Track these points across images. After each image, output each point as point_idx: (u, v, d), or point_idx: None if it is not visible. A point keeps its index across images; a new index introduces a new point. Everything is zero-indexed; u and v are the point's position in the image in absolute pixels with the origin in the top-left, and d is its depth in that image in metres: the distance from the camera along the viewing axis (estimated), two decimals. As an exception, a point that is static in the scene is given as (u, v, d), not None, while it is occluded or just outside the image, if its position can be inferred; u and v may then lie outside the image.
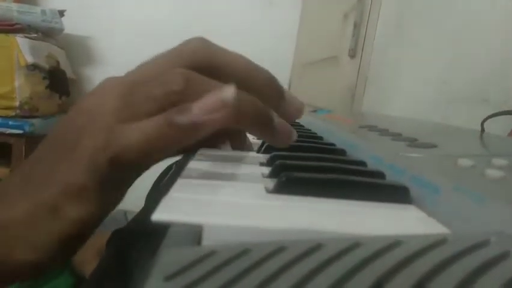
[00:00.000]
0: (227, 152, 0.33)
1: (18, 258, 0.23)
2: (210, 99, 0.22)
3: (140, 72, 0.26)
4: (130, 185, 0.26)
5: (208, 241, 0.15)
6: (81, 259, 0.74)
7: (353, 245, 0.12)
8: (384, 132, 0.37)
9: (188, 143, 0.23)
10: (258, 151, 0.34)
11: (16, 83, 1.47)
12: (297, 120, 0.61)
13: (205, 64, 0.26)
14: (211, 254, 0.12)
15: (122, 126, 0.23)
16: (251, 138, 0.42)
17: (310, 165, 0.26)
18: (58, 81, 1.65)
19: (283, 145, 0.28)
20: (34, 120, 1.51)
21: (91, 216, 0.24)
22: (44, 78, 1.57)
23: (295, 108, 0.30)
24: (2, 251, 0.23)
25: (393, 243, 0.12)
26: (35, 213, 0.23)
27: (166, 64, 0.25)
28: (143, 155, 0.22)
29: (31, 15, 1.56)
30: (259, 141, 0.38)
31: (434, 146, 0.29)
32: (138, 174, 0.26)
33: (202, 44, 0.26)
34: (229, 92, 0.22)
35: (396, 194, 0.21)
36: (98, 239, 0.76)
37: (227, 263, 0.11)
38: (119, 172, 0.23)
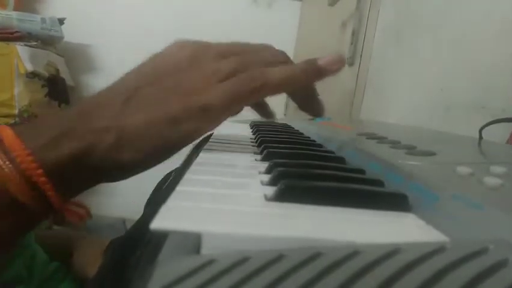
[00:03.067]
0: (226, 159, 0.33)
1: (126, 158, 0.27)
2: (329, 56, 0.32)
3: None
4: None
5: (207, 249, 0.15)
6: (83, 263, 0.73)
7: (352, 253, 0.12)
8: (383, 139, 0.37)
9: (309, 83, 0.35)
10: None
11: (15, 91, 1.48)
12: (296, 128, 0.61)
13: None
14: (210, 262, 0.12)
15: (267, 67, 0.31)
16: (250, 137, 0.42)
17: (310, 173, 0.26)
18: (57, 89, 1.65)
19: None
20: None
21: (201, 132, 0.30)
22: (43, 86, 1.58)
23: None
24: (112, 152, 0.27)
25: (392, 251, 0.12)
26: (153, 121, 0.28)
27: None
28: (279, 88, 0.31)
29: (31, 23, 1.57)
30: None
31: (432, 153, 0.29)
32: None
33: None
34: (340, 55, 0.33)
35: (395, 202, 0.21)
36: (101, 243, 0.76)
37: (226, 271, 0.11)
38: (249, 101, 0.31)
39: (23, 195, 0.25)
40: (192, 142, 0.30)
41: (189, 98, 0.29)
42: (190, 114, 0.28)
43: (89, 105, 0.29)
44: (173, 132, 0.28)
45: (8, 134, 0.26)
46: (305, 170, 0.27)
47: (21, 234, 0.29)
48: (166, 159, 0.30)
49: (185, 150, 0.44)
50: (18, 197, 0.25)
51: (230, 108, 0.30)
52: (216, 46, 0.32)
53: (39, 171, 0.25)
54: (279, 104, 1.75)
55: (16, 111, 1.48)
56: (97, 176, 0.29)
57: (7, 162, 0.25)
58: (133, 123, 0.27)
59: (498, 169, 0.23)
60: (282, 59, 0.33)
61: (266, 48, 0.34)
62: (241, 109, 0.34)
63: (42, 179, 0.26)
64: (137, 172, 0.30)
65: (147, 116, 0.28)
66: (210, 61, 0.30)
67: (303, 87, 0.37)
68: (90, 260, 0.72)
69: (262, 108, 0.43)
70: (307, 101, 0.38)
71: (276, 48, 0.35)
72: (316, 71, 0.32)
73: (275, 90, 0.31)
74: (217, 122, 0.30)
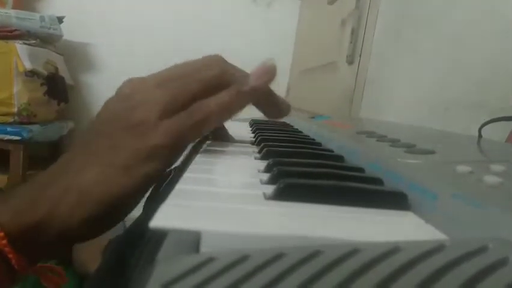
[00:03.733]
0: (225, 157, 0.33)
1: (87, 215, 0.28)
2: (259, 70, 0.32)
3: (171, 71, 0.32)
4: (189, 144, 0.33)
5: (206, 248, 0.15)
6: (83, 259, 0.73)
7: (351, 251, 0.12)
8: (382, 138, 0.37)
9: (247, 104, 0.33)
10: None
11: (14, 89, 1.47)
12: (295, 126, 0.61)
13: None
14: (209, 260, 0.12)
15: (199, 101, 0.30)
16: (249, 136, 0.42)
17: (309, 171, 0.26)
18: (56, 88, 1.65)
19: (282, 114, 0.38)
20: (32, 127, 1.51)
21: (159, 172, 0.30)
22: (42, 84, 1.57)
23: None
24: (72, 212, 0.27)
25: (392, 250, 0.12)
26: (107, 173, 0.28)
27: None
28: (221, 117, 0.32)
29: (30, 21, 1.57)
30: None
31: (432, 152, 0.29)
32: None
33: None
34: (270, 63, 0.33)
35: (395, 200, 0.21)
36: (101, 240, 0.76)
37: (225, 269, 0.11)
38: (194, 135, 0.31)
39: None
40: (152, 184, 0.31)
41: (136, 144, 0.28)
42: (140, 159, 0.28)
43: (50, 172, 0.30)
44: (128, 179, 0.28)
45: None
46: (304, 168, 0.27)
47: None
48: (133, 207, 0.30)
49: (185, 150, 0.44)
50: None
51: (177, 146, 0.30)
52: (151, 77, 0.31)
53: (1, 234, 0.26)
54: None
55: (15, 110, 1.48)
56: (64, 238, 0.29)
57: None
58: (90, 177, 0.28)
59: (497, 167, 0.23)
60: (216, 65, 0.32)
61: (203, 65, 0.32)
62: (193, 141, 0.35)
63: (3, 242, 0.26)
64: (104, 228, 0.30)
65: (100, 168, 0.28)
66: (149, 93, 0.30)
67: (261, 95, 0.35)
68: (91, 256, 0.72)
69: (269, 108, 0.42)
70: (271, 105, 0.37)
71: (213, 57, 0.33)
72: (250, 93, 0.32)
73: (217, 120, 0.32)
74: (169, 160, 0.30)
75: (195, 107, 0.30)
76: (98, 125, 0.31)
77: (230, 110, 0.32)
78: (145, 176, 0.29)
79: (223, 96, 0.31)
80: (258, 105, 0.37)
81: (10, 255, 0.27)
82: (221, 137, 0.42)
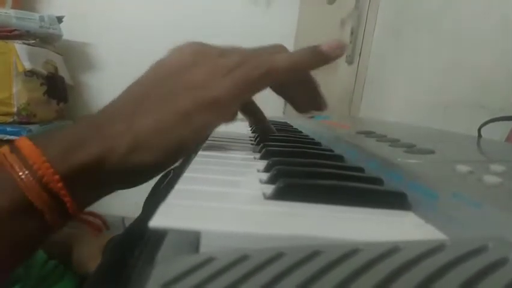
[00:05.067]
0: (225, 157, 0.33)
1: (141, 160, 0.28)
2: (333, 42, 0.33)
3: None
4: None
5: (206, 248, 0.15)
6: (83, 259, 0.73)
7: (351, 251, 0.12)
8: (382, 138, 0.37)
9: (312, 68, 0.34)
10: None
11: (14, 89, 1.47)
12: (294, 126, 0.61)
13: None
14: (209, 260, 0.12)
15: (272, 55, 0.31)
16: (246, 131, 0.42)
17: (308, 171, 0.26)
18: (56, 88, 1.65)
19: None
20: (32, 127, 1.51)
21: (213, 125, 0.30)
22: (42, 84, 1.57)
23: None
24: (126, 156, 0.28)
25: (391, 250, 0.12)
26: (165, 119, 0.28)
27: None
28: (285, 73, 0.31)
29: (29, 21, 1.56)
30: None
31: (432, 152, 0.29)
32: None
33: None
34: (343, 41, 0.33)
35: (394, 200, 0.21)
36: (100, 239, 0.76)
37: (225, 269, 0.11)
38: (258, 88, 0.31)
39: (40, 202, 0.26)
40: (205, 137, 0.31)
41: (198, 93, 0.29)
42: (200, 109, 0.29)
43: (102, 115, 0.30)
44: (185, 128, 0.29)
45: (26, 144, 0.27)
46: (304, 168, 0.27)
47: (36, 243, 0.29)
48: (181, 158, 0.31)
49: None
50: (36, 205, 0.26)
51: (239, 98, 0.30)
52: (217, 46, 0.32)
53: (56, 177, 0.26)
54: (278, 102, 1.75)
55: (15, 110, 1.48)
56: (112, 182, 0.29)
57: (25, 171, 0.26)
58: (146, 124, 0.28)
59: (497, 167, 0.23)
60: (282, 50, 0.33)
61: (265, 45, 0.34)
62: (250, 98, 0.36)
63: (59, 185, 0.26)
64: (153, 175, 0.30)
65: (158, 116, 0.28)
66: (213, 58, 0.31)
67: (306, 81, 0.37)
68: (90, 255, 0.72)
69: (260, 124, 0.45)
70: (310, 95, 0.38)
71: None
72: (319, 56, 0.33)
73: (281, 75, 0.31)
74: (228, 113, 0.31)
75: (260, 59, 0.31)
76: (153, 75, 0.31)
77: (295, 67, 0.32)
78: (202, 127, 0.29)
79: (290, 54, 0.32)
80: (300, 95, 0.38)
81: (65, 199, 0.27)
82: (251, 112, 0.43)
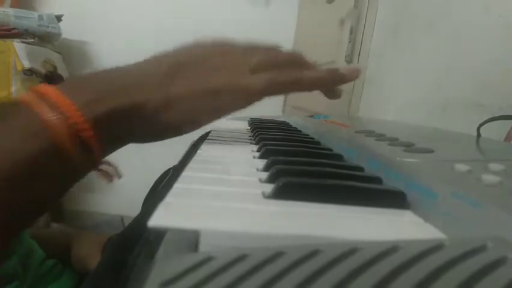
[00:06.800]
0: (224, 156, 0.33)
1: (171, 117, 0.31)
2: (352, 67, 0.38)
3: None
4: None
5: (205, 247, 0.15)
6: (82, 257, 0.73)
7: (350, 250, 0.12)
8: (381, 137, 0.37)
9: (332, 86, 0.39)
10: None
11: (13, 88, 1.47)
12: (294, 125, 0.61)
13: None
14: (208, 259, 0.12)
15: (301, 69, 0.35)
16: (246, 129, 0.42)
17: (308, 170, 0.26)
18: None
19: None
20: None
21: (234, 109, 0.33)
22: (40, 83, 1.57)
23: None
24: (161, 111, 0.30)
25: (391, 249, 0.12)
26: (197, 89, 0.32)
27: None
28: (311, 86, 0.35)
29: (28, 20, 1.56)
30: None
31: (430, 151, 0.29)
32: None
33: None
34: (360, 67, 0.39)
35: (393, 199, 0.21)
36: (99, 237, 0.76)
37: (224, 268, 0.11)
38: (286, 92, 0.35)
39: (70, 147, 0.26)
40: (223, 116, 0.33)
41: (232, 78, 0.32)
42: (231, 90, 0.32)
43: (138, 68, 0.32)
44: (210, 103, 0.32)
45: (53, 91, 0.27)
46: (303, 167, 0.27)
47: (63, 189, 0.29)
48: (197, 127, 0.33)
49: (183, 148, 0.44)
50: (65, 150, 0.26)
51: (266, 94, 0.33)
52: (240, 43, 0.36)
53: (87, 125, 0.27)
54: (277, 102, 1.75)
55: (13, 109, 1.48)
56: (136, 133, 0.31)
57: (56, 115, 0.26)
58: (180, 89, 0.31)
59: (496, 167, 0.23)
60: (302, 61, 0.37)
61: (283, 51, 0.38)
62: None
63: (89, 133, 0.27)
64: (170, 136, 0.33)
65: (192, 87, 0.31)
66: (239, 54, 0.34)
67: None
68: (89, 254, 0.72)
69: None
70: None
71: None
72: (338, 78, 0.37)
73: (306, 87, 0.35)
74: (251, 103, 0.33)
75: (294, 69, 0.35)
76: (184, 55, 0.33)
77: (318, 84, 0.36)
78: (227, 106, 0.33)
79: (317, 72, 0.36)
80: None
81: (94, 146, 0.27)
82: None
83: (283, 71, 0.34)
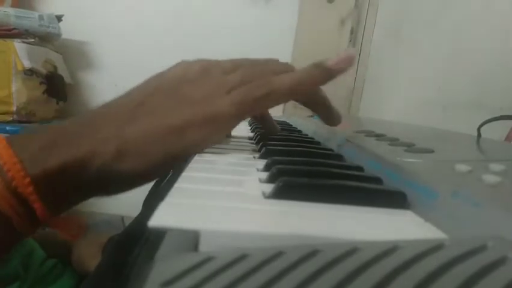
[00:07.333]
0: (224, 156, 0.33)
1: (127, 167, 0.27)
2: (340, 57, 0.31)
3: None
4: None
5: (205, 247, 0.15)
6: (82, 257, 0.73)
7: (351, 250, 0.12)
8: (381, 137, 0.37)
9: (318, 86, 0.33)
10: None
11: (13, 88, 1.47)
12: (293, 125, 0.61)
13: None
14: (208, 259, 0.12)
15: (276, 75, 0.30)
16: (246, 132, 0.42)
17: (308, 170, 0.26)
18: (55, 86, 1.65)
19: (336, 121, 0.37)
20: (31, 126, 1.50)
21: (207, 142, 0.29)
22: (41, 83, 1.57)
23: None
24: (113, 162, 0.26)
25: (391, 249, 0.12)
26: (158, 131, 0.27)
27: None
28: (290, 93, 0.31)
29: (29, 20, 1.56)
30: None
31: (431, 151, 0.29)
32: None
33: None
34: (351, 52, 0.32)
35: (394, 199, 0.21)
36: (99, 238, 0.76)
37: (224, 268, 0.11)
38: (259, 109, 0.31)
39: (7, 207, 0.24)
40: (198, 152, 0.29)
41: (195, 108, 0.28)
42: (195, 124, 0.28)
43: (91, 116, 0.29)
44: (176, 142, 0.27)
45: (1, 142, 0.25)
46: (303, 167, 0.27)
47: (5, 248, 0.28)
48: (168, 170, 0.29)
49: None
50: (2, 208, 0.24)
51: (238, 117, 0.29)
52: (222, 62, 0.32)
53: (26, 180, 0.24)
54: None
55: (14, 109, 1.48)
56: (91, 188, 0.28)
57: None
58: (135, 133, 0.27)
59: (497, 167, 0.23)
60: (288, 69, 0.32)
61: (271, 61, 0.34)
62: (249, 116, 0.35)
63: (29, 189, 0.25)
64: (136, 185, 0.29)
65: (149, 126, 0.27)
66: (218, 75, 0.30)
67: (313, 97, 0.36)
68: (90, 254, 0.72)
69: (265, 123, 0.44)
70: (321, 110, 0.37)
71: (279, 60, 0.34)
72: (324, 74, 0.31)
73: (283, 97, 0.31)
74: (225, 131, 0.30)
75: (262, 80, 0.30)
76: (149, 88, 0.30)
77: (298, 88, 0.31)
78: (195, 143, 0.28)
79: (292, 74, 0.31)
80: (314, 107, 0.37)
81: (35, 204, 0.25)
82: (268, 127, 0.43)
83: (252, 84, 0.30)
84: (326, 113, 0.37)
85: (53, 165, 0.25)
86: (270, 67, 0.32)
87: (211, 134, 0.29)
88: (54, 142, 0.26)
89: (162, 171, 0.29)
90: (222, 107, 0.28)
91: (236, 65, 0.31)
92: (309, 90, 0.33)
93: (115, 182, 0.28)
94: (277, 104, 0.31)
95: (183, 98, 0.29)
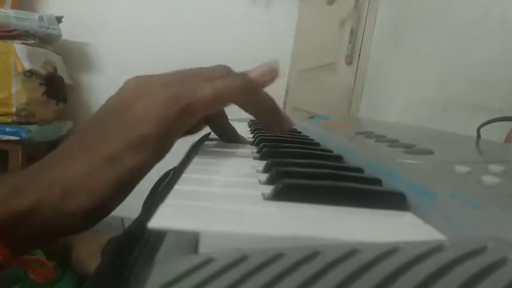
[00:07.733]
0: (224, 159, 0.33)
1: (75, 207, 0.26)
2: (262, 68, 0.32)
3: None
4: (177, 138, 0.30)
5: (205, 248, 0.15)
6: (82, 259, 0.73)
7: (350, 252, 0.12)
8: (381, 138, 0.37)
9: (242, 99, 0.31)
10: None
11: (13, 89, 1.47)
12: (294, 127, 0.61)
13: None
14: (208, 261, 0.12)
15: (195, 85, 0.29)
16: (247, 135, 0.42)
17: (307, 171, 0.26)
18: (55, 88, 1.65)
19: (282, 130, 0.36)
20: (31, 127, 1.51)
21: (146, 165, 0.28)
22: (41, 84, 1.57)
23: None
24: (60, 203, 0.26)
25: (390, 250, 0.12)
26: (95, 164, 0.27)
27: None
28: (210, 105, 0.29)
29: (29, 21, 1.56)
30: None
31: (431, 152, 0.29)
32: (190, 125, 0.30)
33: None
34: (274, 65, 0.32)
35: (393, 200, 0.21)
36: (99, 239, 0.76)
37: (224, 270, 0.11)
38: (184, 123, 0.29)
39: None
40: (140, 178, 0.28)
41: (127, 133, 0.27)
42: (130, 149, 0.27)
43: (43, 162, 0.29)
44: (115, 170, 0.27)
45: None
46: (303, 169, 0.27)
47: None
48: (121, 200, 0.28)
49: (183, 149, 0.44)
50: None
51: (167, 136, 0.28)
52: (158, 76, 0.30)
53: None
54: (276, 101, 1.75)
55: (14, 110, 1.48)
56: (49, 231, 0.28)
57: None
58: (78, 168, 0.27)
59: (496, 168, 0.23)
60: (224, 74, 0.31)
61: (209, 70, 0.32)
62: (196, 130, 0.38)
63: None
64: (94, 220, 0.28)
65: (88, 160, 0.27)
66: (154, 91, 0.29)
67: (217, 115, 0.37)
68: (90, 256, 0.72)
69: (223, 131, 0.41)
70: (223, 130, 0.39)
71: (229, 66, 0.32)
72: (248, 84, 0.31)
73: (204, 109, 0.29)
74: (158, 153, 0.28)
75: (180, 93, 0.28)
76: (95, 117, 0.30)
77: (219, 99, 0.29)
78: (130, 168, 0.27)
79: (214, 83, 0.29)
80: (215, 127, 0.39)
81: None
82: (229, 137, 0.41)
83: (169, 98, 0.28)
84: (268, 119, 0.35)
85: (7, 212, 0.26)
86: (206, 74, 0.31)
87: (147, 157, 0.27)
88: (6, 193, 0.26)
89: (113, 202, 0.28)
90: (148, 127, 0.27)
91: (173, 79, 0.30)
92: (232, 101, 0.31)
93: (72, 221, 0.27)
94: (201, 115, 0.29)
95: (112, 128, 0.28)
